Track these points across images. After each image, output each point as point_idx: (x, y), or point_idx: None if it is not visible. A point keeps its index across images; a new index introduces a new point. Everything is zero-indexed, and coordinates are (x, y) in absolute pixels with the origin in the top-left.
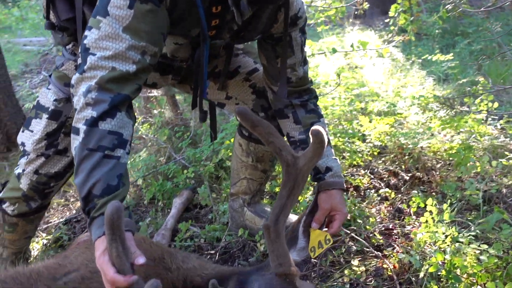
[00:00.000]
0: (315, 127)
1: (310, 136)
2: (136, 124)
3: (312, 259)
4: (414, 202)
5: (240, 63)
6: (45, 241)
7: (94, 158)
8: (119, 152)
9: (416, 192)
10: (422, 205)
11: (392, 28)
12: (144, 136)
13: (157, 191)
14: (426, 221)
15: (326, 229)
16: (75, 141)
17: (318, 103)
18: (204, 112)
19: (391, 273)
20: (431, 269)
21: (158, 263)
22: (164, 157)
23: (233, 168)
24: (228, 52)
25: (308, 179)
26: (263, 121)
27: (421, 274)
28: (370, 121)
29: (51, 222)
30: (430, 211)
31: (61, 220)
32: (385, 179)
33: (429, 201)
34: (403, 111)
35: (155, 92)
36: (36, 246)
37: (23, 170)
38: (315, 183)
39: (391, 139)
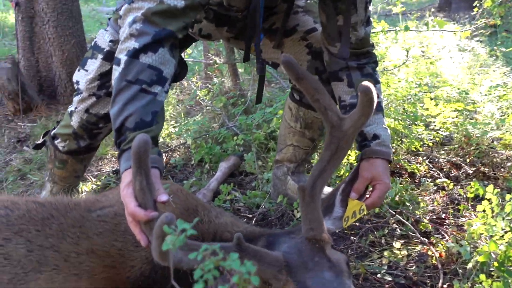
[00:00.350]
0: (364, 83)
1: (358, 93)
2: (195, 88)
3: (352, 237)
4: (472, 187)
5: (298, 21)
6: (94, 186)
7: (131, 91)
8: (157, 88)
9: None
10: (481, 192)
11: (476, 10)
12: (201, 102)
13: (205, 154)
14: (484, 211)
15: (367, 197)
16: (115, 72)
17: (382, 80)
18: (261, 62)
19: (435, 262)
20: (480, 259)
21: (191, 214)
22: (218, 124)
23: (280, 134)
24: (288, 7)
25: (354, 145)
26: (310, 75)
27: (469, 265)
28: (436, 105)
29: (102, 170)
30: (489, 200)
31: (112, 169)
32: (445, 170)
33: (490, 187)
34: (476, 102)
35: (217, 59)
36: (85, 189)
37: (75, 108)
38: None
39: (457, 128)
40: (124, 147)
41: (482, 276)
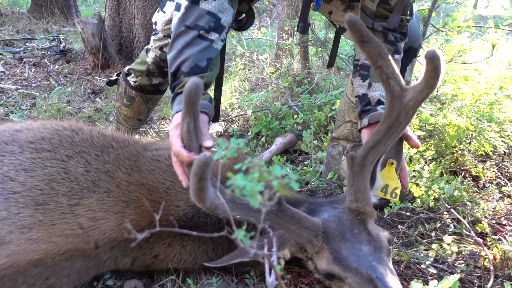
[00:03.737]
0: (431, 49)
1: (425, 60)
2: (263, 64)
3: (400, 226)
4: None
5: None
6: (152, 138)
7: (189, 36)
8: (214, 35)
9: None
10: None
11: None
12: (267, 79)
13: (263, 127)
14: None
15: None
16: (175, 17)
17: (460, 73)
18: (305, 22)
19: (487, 264)
20: None
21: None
22: (280, 102)
23: (340, 110)
24: None
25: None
26: (375, 39)
27: None
28: None
29: (163, 129)
30: None
31: None
32: None
33: None
34: None
35: (289, 40)
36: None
37: (151, 46)
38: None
39: None
40: (178, 90)
41: None
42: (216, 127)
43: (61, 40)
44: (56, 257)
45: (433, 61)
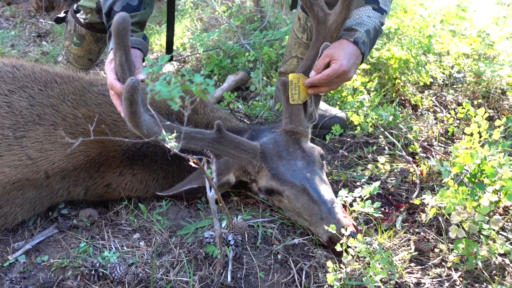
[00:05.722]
0: None
1: None
2: (214, 2)
3: (340, 150)
4: (463, 108)
5: None
6: None
7: None
8: None
9: None
10: (472, 113)
11: None
12: (218, 18)
13: (215, 66)
14: (472, 134)
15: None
16: None
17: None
18: None
19: (415, 178)
20: (455, 169)
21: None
22: (232, 41)
23: (287, 45)
24: None
25: None
26: None
27: (445, 180)
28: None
29: None
30: (478, 123)
31: None
32: (450, 108)
33: (481, 110)
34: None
35: None
36: None
37: None
38: None
39: (470, 66)
40: (111, 29)
41: (450, 182)
42: (168, 67)
43: None
44: (7, 186)
45: None
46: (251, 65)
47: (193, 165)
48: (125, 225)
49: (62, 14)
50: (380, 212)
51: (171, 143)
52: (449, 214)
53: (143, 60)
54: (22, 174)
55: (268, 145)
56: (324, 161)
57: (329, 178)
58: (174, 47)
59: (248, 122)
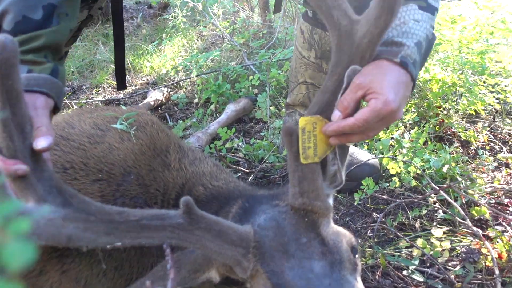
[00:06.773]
0: None
1: None
2: (215, 17)
3: (374, 214)
4: None
5: None
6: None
7: None
8: None
9: None
10: None
11: None
12: (220, 35)
13: (211, 92)
14: None
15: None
16: None
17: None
18: None
19: (491, 264)
20: None
21: (158, 155)
22: (235, 62)
23: (291, 68)
24: None
25: None
26: None
27: None
28: None
29: (93, 99)
30: None
31: (103, 99)
32: (510, 143)
33: None
34: None
35: None
36: None
37: None
38: None
39: None
40: None
41: None
42: (156, 95)
43: None
44: None
45: None
46: (255, 91)
47: None
48: None
49: None
50: None
51: None
52: None
53: (53, 111)
54: None
55: (267, 232)
56: (357, 256)
57: (362, 261)
58: (164, 70)
59: (248, 171)
